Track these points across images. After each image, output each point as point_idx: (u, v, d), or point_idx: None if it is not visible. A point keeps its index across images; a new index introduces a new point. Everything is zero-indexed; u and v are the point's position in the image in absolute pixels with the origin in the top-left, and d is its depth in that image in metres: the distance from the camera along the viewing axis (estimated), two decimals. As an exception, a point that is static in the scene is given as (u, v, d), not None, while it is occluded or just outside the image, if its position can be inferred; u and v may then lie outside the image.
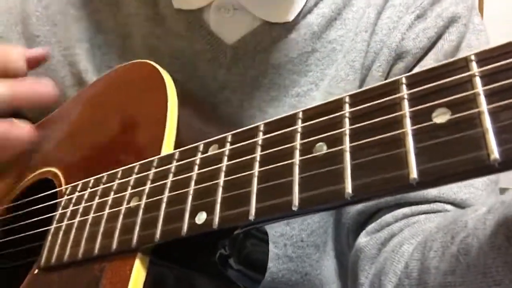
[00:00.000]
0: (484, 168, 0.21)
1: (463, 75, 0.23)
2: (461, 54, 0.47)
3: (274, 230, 0.48)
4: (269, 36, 0.49)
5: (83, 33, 0.54)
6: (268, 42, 0.49)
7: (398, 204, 0.45)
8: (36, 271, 0.39)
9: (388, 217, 0.45)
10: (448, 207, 0.44)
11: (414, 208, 0.44)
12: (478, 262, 0.30)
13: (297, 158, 0.27)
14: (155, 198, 0.33)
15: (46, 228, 0.41)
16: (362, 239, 0.46)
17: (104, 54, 0.54)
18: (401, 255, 0.40)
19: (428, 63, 0.47)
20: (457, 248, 0.32)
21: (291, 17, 0.48)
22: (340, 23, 0.49)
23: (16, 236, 0.45)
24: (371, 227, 0.46)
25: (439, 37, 0.47)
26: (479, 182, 0.44)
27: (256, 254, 0.38)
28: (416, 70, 0.47)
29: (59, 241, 0.38)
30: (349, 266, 0.49)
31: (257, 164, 0.29)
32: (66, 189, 0.42)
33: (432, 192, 0.44)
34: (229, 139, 0.32)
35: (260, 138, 0.30)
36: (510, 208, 0.29)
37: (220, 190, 0.30)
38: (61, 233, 0.39)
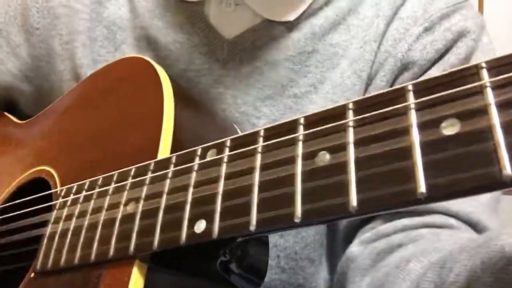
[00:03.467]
0: (496, 184, 0.20)
1: (474, 84, 0.22)
2: None
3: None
4: (269, 33, 0.48)
5: (82, 24, 0.53)
6: (268, 39, 0.48)
7: (397, 213, 0.43)
8: (32, 275, 0.39)
9: (386, 227, 0.43)
10: (452, 220, 0.41)
11: (416, 220, 0.42)
12: None
13: (299, 167, 0.26)
14: (152, 204, 0.32)
15: (41, 231, 0.40)
16: (355, 248, 0.44)
17: (101, 47, 0.53)
18: (407, 273, 0.36)
19: (434, 74, 0.46)
20: (495, 277, 0.28)
21: (292, 17, 0.47)
22: (344, 28, 0.48)
23: (12, 238, 0.44)
24: (366, 236, 0.43)
25: (447, 50, 0.46)
26: (483, 198, 0.43)
27: (257, 257, 0.37)
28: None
29: (54, 245, 0.37)
30: (335, 275, 0.47)
31: (257, 172, 0.28)
32: (61, 190, 0.41)
33: None
34: (228, 144, 0.31)
35: (260, 144, 0.29)
36: None
37: (220, 198, 0.29)
38: (56, 237, 0.38)
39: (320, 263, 0.49)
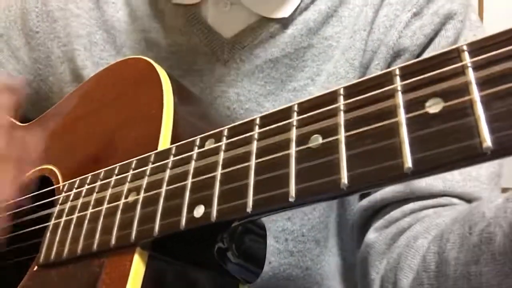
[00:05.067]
0: (477, 156, 0.21)
1: (455, 65, 0.23)
2: None
3: (276, 225, 0.49)
4: (266, 31, 0.49)
5: (82, 29, 0.55)
6: (265, 37, 0.49)
7: (405, 200, 0.45)
8: (36, 268, 0.40)
9: (396, 212, 0.45)
10: (455, 200, 0.44)
11: (421, 203, 0.44)
12: (504, 249, 0.30)
13: (293, 150, 0.27)
14: (153, 192, 0.33)
15: (44, 225, 0.41)
16: (371, 236, 0.46)
17: (102, 51, 0.54)
18: (416, 249, 0.40)
19: None
20: (479, 238, 0.32)
21: (287, 13, 0.49)
22: (336, 20, 0.50)
23: (15, 233, 0.45)
24: (379, 223, 0.46)
25: (435, 34, 0.48)
26: (484, 176, 0.45)
27: (253, 247, 0.38)
28: None
29: (57, 237, 0.38)
30: (357, 262, 0.49)
31: (253, 157, 0.29)
32: (64, 186, 0.42)
33: (438, 186, 0.44)
34: (226, 133, 0.32)
35: (256, 131, 0.30)
36: None
37: (217, 183, 0.30)
38: (59, 229, 0.39)
39: (325, 245, 0.51)
